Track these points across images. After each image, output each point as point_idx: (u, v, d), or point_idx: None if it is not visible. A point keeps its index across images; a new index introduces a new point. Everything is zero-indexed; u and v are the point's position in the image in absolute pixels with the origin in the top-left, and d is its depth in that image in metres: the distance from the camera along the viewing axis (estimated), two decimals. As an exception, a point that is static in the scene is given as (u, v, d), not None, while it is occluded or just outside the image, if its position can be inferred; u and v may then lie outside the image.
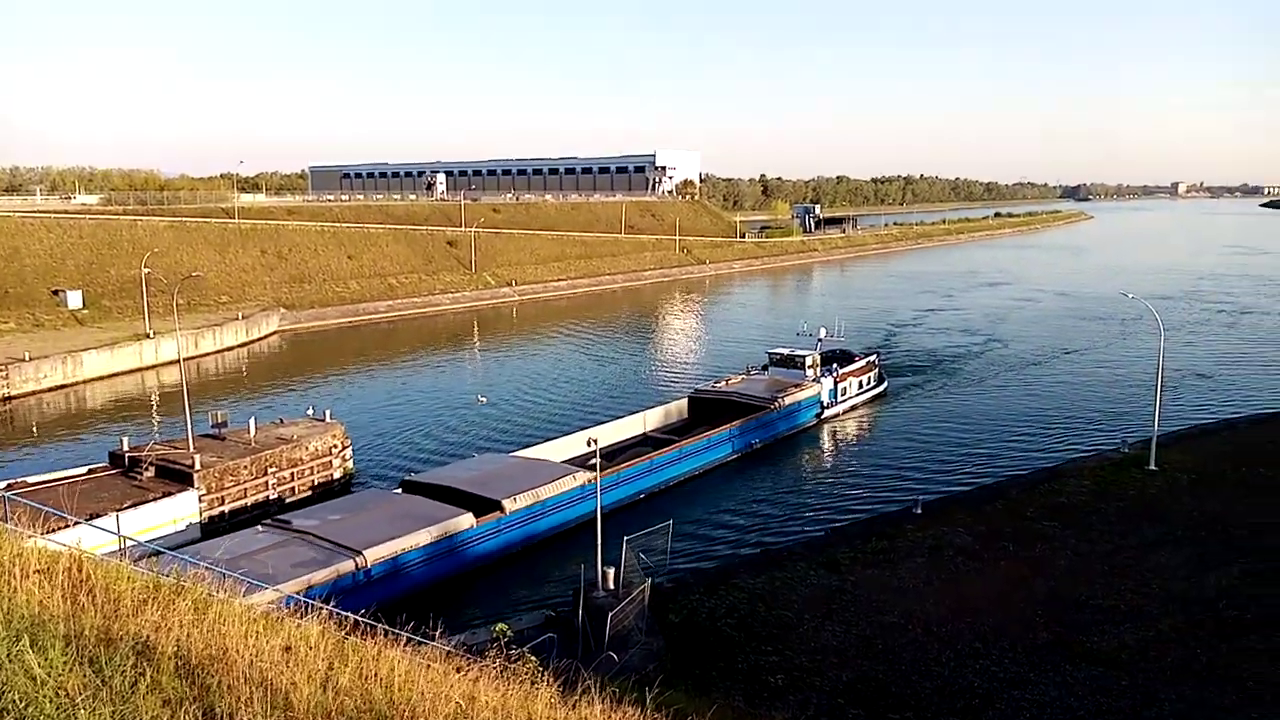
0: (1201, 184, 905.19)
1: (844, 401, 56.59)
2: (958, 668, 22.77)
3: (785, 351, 58.02)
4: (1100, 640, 24.00)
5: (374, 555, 30.13)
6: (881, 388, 60.96)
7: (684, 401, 53.94)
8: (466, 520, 33.55)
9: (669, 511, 34.78)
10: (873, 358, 61.75)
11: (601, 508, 29.37)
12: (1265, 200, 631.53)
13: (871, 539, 33.06)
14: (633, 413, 51.74)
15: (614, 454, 43.80)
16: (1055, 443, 49.18)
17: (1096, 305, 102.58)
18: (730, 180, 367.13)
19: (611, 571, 27.06)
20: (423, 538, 31.92)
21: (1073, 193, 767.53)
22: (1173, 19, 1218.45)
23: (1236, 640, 23.85)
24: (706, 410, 51.73)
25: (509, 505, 35.13)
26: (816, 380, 55.10)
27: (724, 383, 55.76)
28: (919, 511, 35.41)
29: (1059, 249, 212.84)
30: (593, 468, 38.16)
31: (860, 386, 58.61)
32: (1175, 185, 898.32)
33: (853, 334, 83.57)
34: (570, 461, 42.43)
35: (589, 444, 33.42)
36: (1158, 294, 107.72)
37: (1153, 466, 39.02)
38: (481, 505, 34.85)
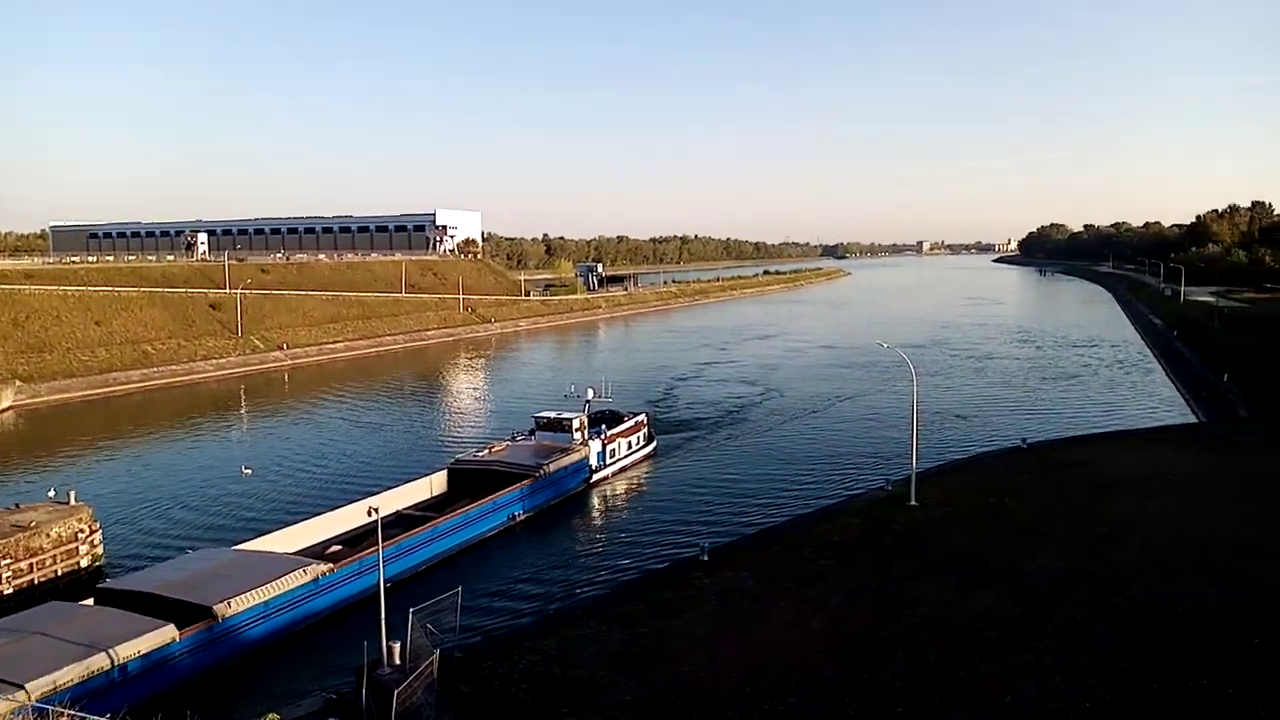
0: (942, 242, 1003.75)
1: (614, 463, 55.79)
2: (748, 712, 23.09)
3: (552, 415, 56.26)
4: (876, 671, 25.11)
5: (38, 690, 23.66)
6: (651, 446, 60.62)
7: (443, 473, 50.68)
8: (167, 634, 28.32)
9: (457, 579, 33.60)
10: (641, 417, 61.47)
11: (340, 599, 27.63)
12: (996, 256, 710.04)
13: (661, 589, 33.29)
14: (389, 487, 47.72)
15: (358, 538, 40.47)
16: (828, 484, 51.95)
17: (858, 354, 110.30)
18: (514, 239, 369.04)
19: (397, 646, 25.65)
20: (101, 662, 26.20)
21: (832, 251, 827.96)
22: (901, 106, 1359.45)
23: (995, 660, 25.68)
24: (467, 481, 49.05)
25: (222, 611, 30.16)
26: (584, 443, 53.87)
27: (487, 450, 53.21)
28: (705, 558, 36.10)
29: (823, 303, 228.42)
30: (333, 557, 36.44)
31: (630, 447, 57.90)
32: (920, 244, 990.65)
33: (634, 389, 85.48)
34: (338, 540, 40.35)
35: (370, 513, 31.29)
36: (910, 343, 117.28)
37: (913, 502, 41.92)
38: (188, 613, 29.85)
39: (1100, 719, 22.15)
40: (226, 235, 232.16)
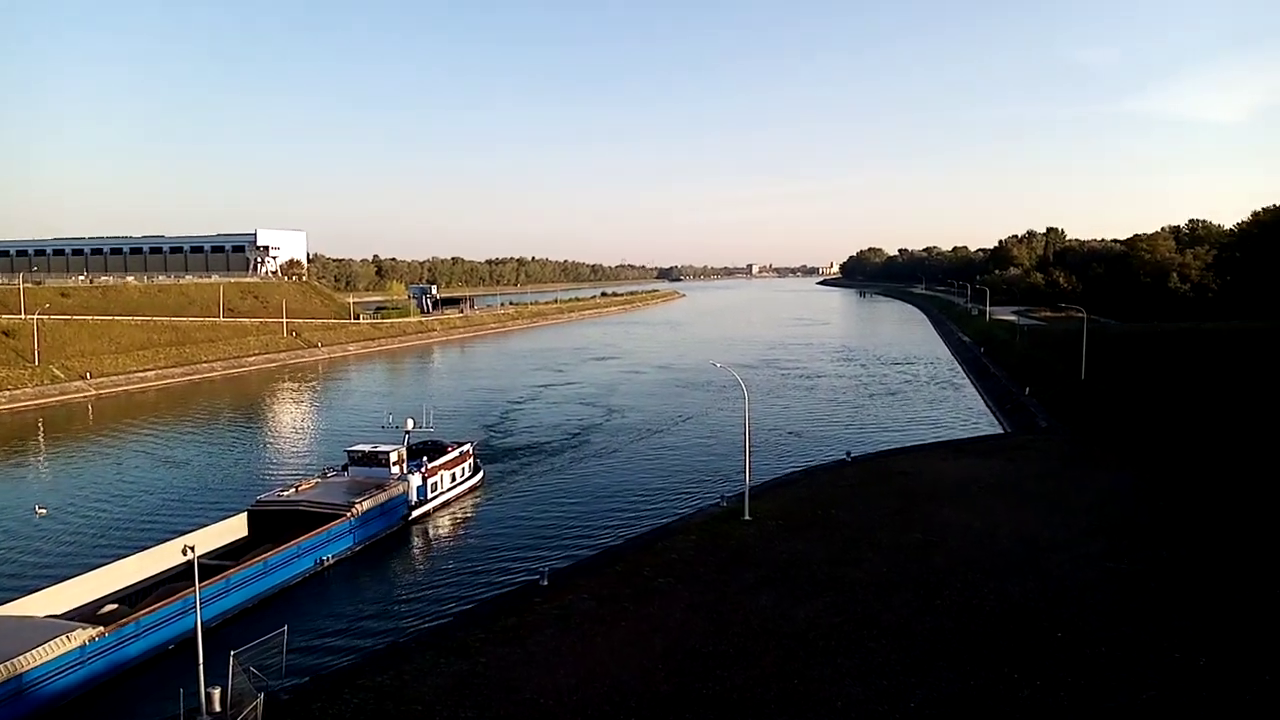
0: (771, 265, 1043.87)
1: (436, 498, 52.82)
2: (588, 735, 22.90)
3: (366, 448, 52.94)
4: (714, 685, 25.47)
5: None
6: (478, 477, 58.29)
7: (242, 516, 45.99)
8: None
9: (283, 618, 31.86)
10: (467, 446, 58.74)
11: (117, 664, 25.06)
12: (820, 278, 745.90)
13: (501, 617, 32.66)
14: (183, 531, 42.65)
15: (144, 592, 37.03)
16: (668, 503, 52.58)
17: (694, 374, 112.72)
18: (342, 260, 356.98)
19: (217, 692, 24.03)
20: None
21: (668, 273, 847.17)
22: (731, 131, 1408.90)
23: (826, 665, 26.56)
24: (270, 524, 45.02)
25: None
26: (403, 477, 50.84)
27: (293, 489, 48.85)
28: (545, 583, 35.72)
29: (659, 324, 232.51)
30: (104, 620, 32.19)
31: (454, 479, 55.14)
32: (750, 266, 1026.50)
33: (469, 415, 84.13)
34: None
35: (185, 552, 28.80)
36: (742, 362, 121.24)
37: (747, 516, 43.01)
38: None
39: (923, 716, 23.29)
40: (21, 256, 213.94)
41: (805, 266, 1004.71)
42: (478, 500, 55.54)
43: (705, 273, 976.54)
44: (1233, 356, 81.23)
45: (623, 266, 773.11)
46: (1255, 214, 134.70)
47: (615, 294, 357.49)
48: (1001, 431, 75.29)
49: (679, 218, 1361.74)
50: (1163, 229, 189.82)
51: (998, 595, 32.16)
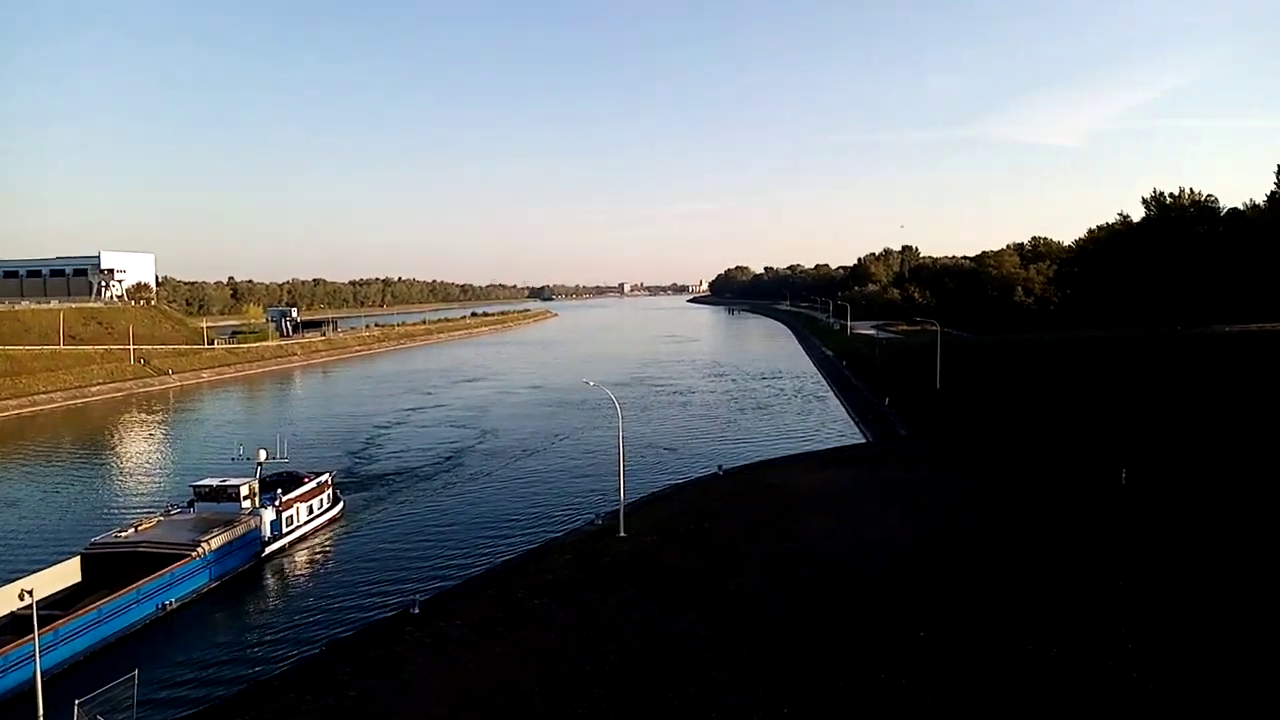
0: (642, 284, 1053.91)
1: (292, 532, 50.11)
2: (463, 765, 22.27)
3: (214, 483, 49.85)
4: (590, 704, 25.24)
5: None
6: (337, 508, 55.50)
7: (74, 561, 41.69)
8: None
9: (132, 664, 29.81)
10: (326, 476, 55.97)
11: None
12: (690, 296, 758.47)
13: (369, 647, 31.52)
14: (6, 580, 38.58)
15: None
16: (544, 523, 52.06)
17: (568, 394, 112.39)
18: (194, 284, 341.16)
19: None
20: None
21: (538, 293, 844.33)
22: (597, 151, 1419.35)
23: (701, 677, 26.72)
24: (108, 567, 41.28)
25: None
26: (255, 512, 48.15)
27: (132, 530, 45.25)
28: (416, 611, 34.72)
29: (532, 343, 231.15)
30: None
31: (312, 511, 52.41)
32: (622, 285, 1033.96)
33: (332, 442, 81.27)
34: None
35: (21, 597, 26.39)
36: (616, 380, 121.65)
37: (622, 533, 43.03)
38: None
39: (796, 722, 23.69)
40: None
41: (676, 285, 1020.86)
42: (340, 532, 52.86)
43: (578, 291, 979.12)
44: (1071, 363, 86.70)
45: (494, 286, 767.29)
46: (1091, 231, 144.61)
47: (486, 314, 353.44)
48: (864, 441, 77.99)
49: (551, 236, 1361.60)
50: (1008, 246, 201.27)
51: (864, 599, 33.14)
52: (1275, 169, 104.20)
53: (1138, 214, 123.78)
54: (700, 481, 58.12)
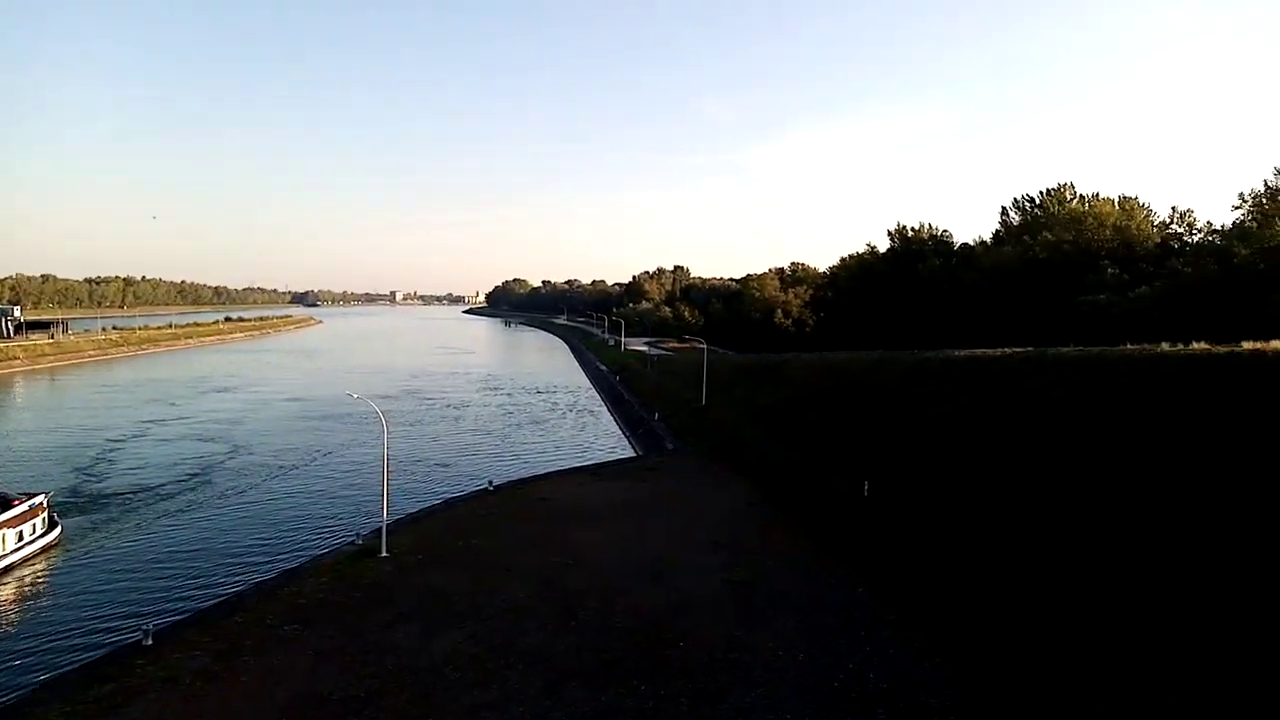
0: (415, 293, 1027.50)
1: None
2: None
3: None
4: (344, 735, 24.01)
5: None
6: (54, 534, 49.20)
7: None
8: None
9: None
10: (40, 499, 49.45)
11: None
12: (466, 307, 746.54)
13: (92, 685, 28.33)
14: None
15: None
16: (300, 545, 49.04)
17: (331, 406, 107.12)
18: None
19: None
20: None
21: (302, 298, 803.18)
22: (349, 152, 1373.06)
23: (463, 698, 26.06)
24: None
25: None
26: None
27: None
28: (149, 642, 31.64)
29: (293, 351, 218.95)
30: None
31: (21, 538, 46.22)
32: (394, 293, 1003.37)
33: (54, 459, 73.13)
34: None
35: None
36: (384, 393, 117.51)
37: (384, 553, 41.37)
38: None
39: (558, 739, 23.57)
40: None
41: (451, 295, 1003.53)
42: (59, 561, 46.84)
43: (345, 298, 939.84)
44: (821, 382, 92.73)
45: (251, 290, 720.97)
46: (843, 259, 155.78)
47: (242, 319, 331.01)
48: (634, 454, 79.71)
49: (317, 240, 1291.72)
50: (770, 270, 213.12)
51: (629, 611, 33.66)
52: (1000, 209, 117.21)
53: (884, 245, 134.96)
54: (470, 497, 57.08)
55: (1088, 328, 73.28)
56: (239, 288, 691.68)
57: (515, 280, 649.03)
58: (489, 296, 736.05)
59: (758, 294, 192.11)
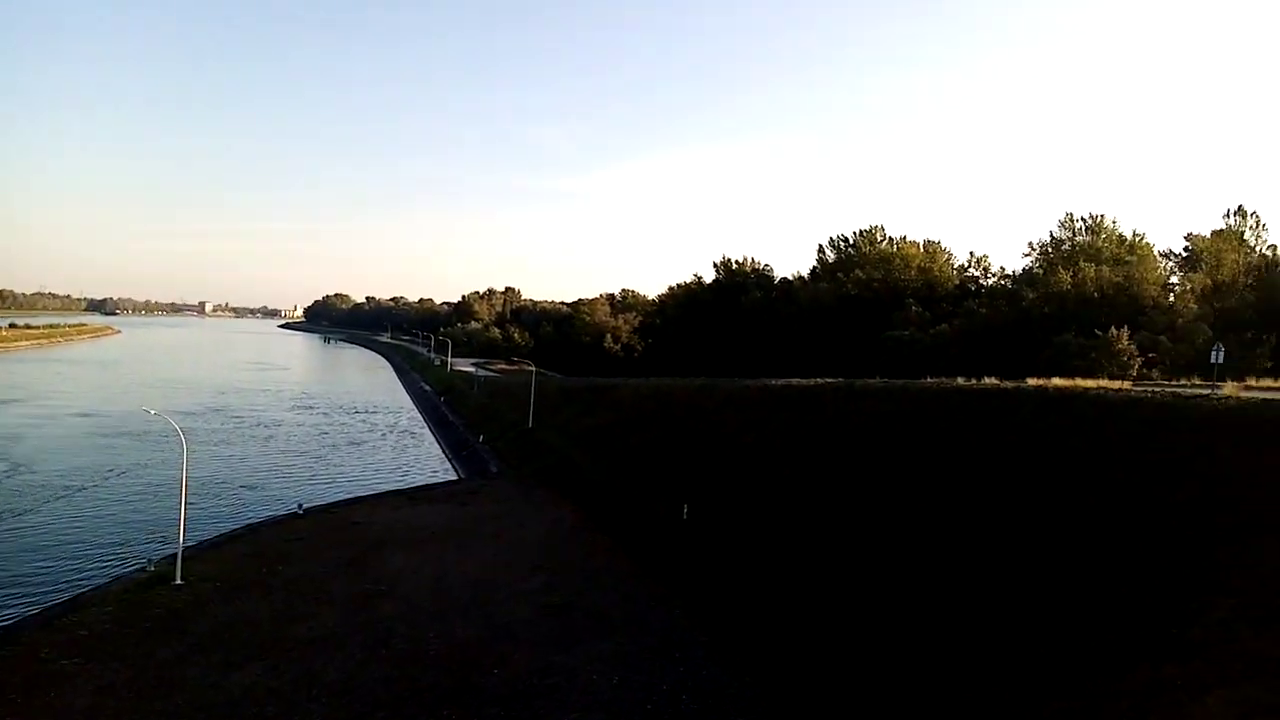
0: (227, 304, 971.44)
1: None
2: None
3: None
4: (123, 779, 22.11)
5: None
6: None
7: None
8: None
9: None
10: None
11: None
12: (282, 321, 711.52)
13: None
14: None
15: None
16: (84, 572, 45.01)
17: (125, 422, 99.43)
18: None
19: None
20: None
21: (99, 306, 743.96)
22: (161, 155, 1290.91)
23: (259, 736, 24.63)
24: None
25: None
26: None
27: None
28: (-108, 686, 28.16)
29: (87, 363, 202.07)
30: None
31: None
32: (203, 304, 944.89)
33: None
34: None
35: None
36: (187, 409, 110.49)
37: (179, 580, 38.56)
38: None
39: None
40: None
41: (267, 308, 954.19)
42: None
43: (149, 308, 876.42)
44: (648, 407, 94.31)
45: (40, 294, 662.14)
46: (671, 288, 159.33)
47: (30, 326, 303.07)
48: (456, 477, 78.18)
49: (117, 246, 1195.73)
50: (601, 295, 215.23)
51: (443, 638, 32.83)
52: (817, 247, 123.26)
53: (710, 275, 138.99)
54: (278, 521, 54.18)
55: (895, 360, 78.02)
56: (27, 292, 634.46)
57: (337, 295, 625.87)
58: (308, 311, 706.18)
59: (588, 318, 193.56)
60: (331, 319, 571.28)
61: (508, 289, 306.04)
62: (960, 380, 49.71)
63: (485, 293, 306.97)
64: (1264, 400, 33.86)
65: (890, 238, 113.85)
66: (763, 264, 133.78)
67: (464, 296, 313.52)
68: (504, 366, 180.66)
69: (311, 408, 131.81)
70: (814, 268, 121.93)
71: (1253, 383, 44.24)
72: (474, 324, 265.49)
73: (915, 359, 75.08)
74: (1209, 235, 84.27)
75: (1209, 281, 78.28)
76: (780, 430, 55.91)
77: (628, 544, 47.98)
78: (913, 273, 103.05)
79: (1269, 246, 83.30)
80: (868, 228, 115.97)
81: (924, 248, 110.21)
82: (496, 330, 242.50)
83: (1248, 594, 22.21)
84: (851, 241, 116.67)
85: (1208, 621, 21.86)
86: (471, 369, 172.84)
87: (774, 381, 69.66)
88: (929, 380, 53.33)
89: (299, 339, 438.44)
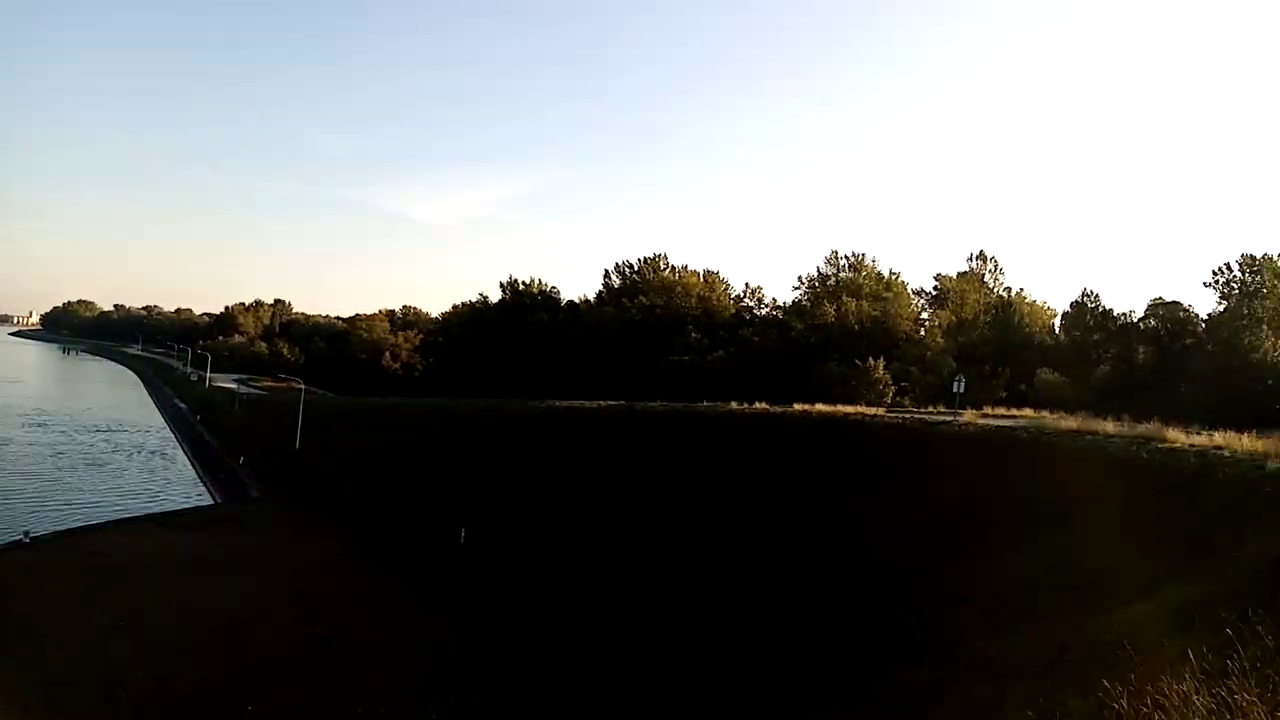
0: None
1: None
2: None
3: None
4: None
5: None
6: None
7: None
8: None
9: None
10: None
11: None
12: (14, 330, 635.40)
13: None
14: None
15: None
16: None
17: None
18: None
19: None
20: None
21: None
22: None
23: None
24: None
25: None
26: None
27: None
28: None
29: None
30: None
31: None
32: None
33: None
34: None
35: None
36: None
37: None
38: None
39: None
40: None
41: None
42: None
43: None
44: (428, 428, 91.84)
45: None
46: (455, 306, 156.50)
47: None
48: (212, 502, 72.63)
49: None
50: (381, 311, 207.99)
51: (192, 676, 30.02)
52: (602, 271, 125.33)
53: (496, 295, 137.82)
54: (-1, 552, 48.08)
55: (675, 384, 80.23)
56: None
57: (80, 302, 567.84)
58: (45, 319, 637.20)
59: (366, 334, 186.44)
60: (74, 328, 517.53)
61: (277, 301, 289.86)
62: (734, 405, 51.77)
63: (252, 304, 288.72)
64: (996, 426, 37.48)
65: (673, 266, 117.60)
66: (550, 286, 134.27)
67: (227, 308, 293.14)
68: (271, 384, 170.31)
69: (46, 425, 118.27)
70: (600, 292, 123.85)
71: (989, 410, 48.89)
72: (238, 337, 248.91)
73: (694, 383, 77.53)
74: (955, 276, 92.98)
75: (954, 318, 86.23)
76: (564, 452, 55.95)
77: (400, 571, 46.15)
78: (693, 301, 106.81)
79: (1005, 288, 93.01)
80: (652, 255, 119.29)
81: (704, 277, 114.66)
82: (264, 344, 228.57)
83: (979, 602, 24.26)
84: (636, 268, 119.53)
85: (946, 629, 23.64)
86: (235, 385, 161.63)
87: (559, 403, 69.84)
88: (705, 404, 55.23)
89: (33, 349, 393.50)
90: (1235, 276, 73.50)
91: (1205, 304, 78.86)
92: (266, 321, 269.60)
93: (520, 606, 37.71)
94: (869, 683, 22.90)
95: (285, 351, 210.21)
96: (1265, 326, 67.58)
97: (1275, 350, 66.47)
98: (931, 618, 24.52)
